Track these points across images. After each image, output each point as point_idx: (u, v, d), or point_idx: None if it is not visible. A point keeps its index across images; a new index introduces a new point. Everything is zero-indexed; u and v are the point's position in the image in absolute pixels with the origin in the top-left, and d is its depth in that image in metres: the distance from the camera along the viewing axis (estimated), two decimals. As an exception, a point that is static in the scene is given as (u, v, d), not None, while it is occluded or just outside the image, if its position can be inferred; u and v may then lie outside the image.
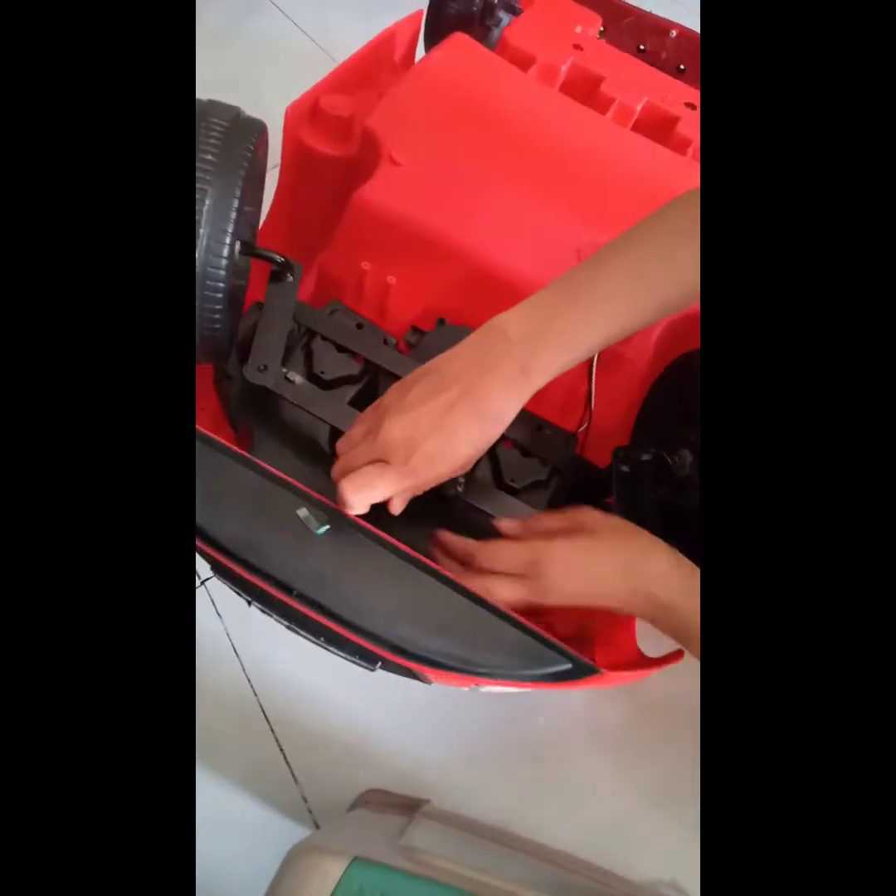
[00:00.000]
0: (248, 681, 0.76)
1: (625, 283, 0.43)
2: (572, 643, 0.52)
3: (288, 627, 0.48)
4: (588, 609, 0.44)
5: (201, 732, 0.70)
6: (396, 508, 0.45)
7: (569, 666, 0.41)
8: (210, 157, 0.42)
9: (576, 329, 0.43)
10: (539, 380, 0.43)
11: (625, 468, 0.53)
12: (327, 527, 0.42)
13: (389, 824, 0.62)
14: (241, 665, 0.76)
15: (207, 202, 0.42)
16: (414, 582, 0.42)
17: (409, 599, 0.42)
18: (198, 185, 0.42)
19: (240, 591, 0.48)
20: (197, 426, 0.44)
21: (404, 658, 0.41)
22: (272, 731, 0.75)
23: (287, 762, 0.74)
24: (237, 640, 0.77)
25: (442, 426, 0.42)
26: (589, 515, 0.46)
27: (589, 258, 0.45)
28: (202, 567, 0.78)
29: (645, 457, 0.52)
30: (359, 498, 0.42)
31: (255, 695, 0.76)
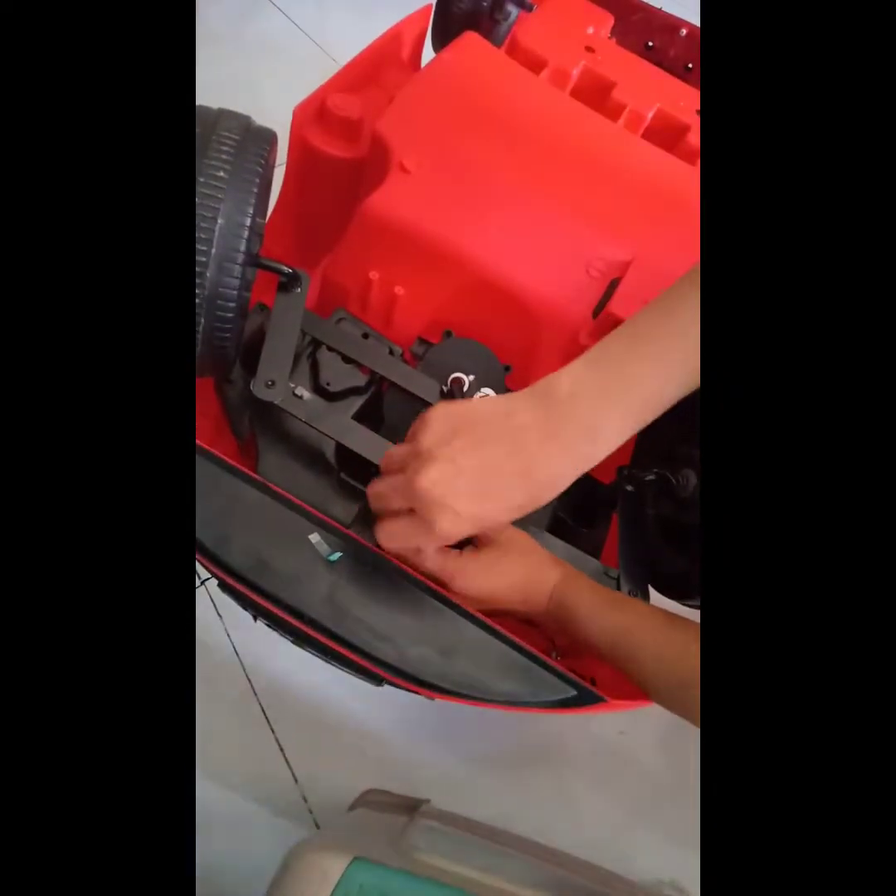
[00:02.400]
0: (248, 681, 0.76)
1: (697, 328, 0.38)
2: (569, 657, 0.52)
3: (293, 642, 0.48)
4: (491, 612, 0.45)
5: (201, 732, 0.70)
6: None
7: (575, 694, 0.41)
8: (222, 173, 0.41)
9: (651, 384, 0.38)
10: (606, 447, 0.38)
11: (629, 487, 0.53)
12: (339, 554, 0.42)
13: (390, 824, 0.62)
14: (242, 665, 0.76)
15: (220, 221, 0.41)
16: (422, 607, 0.42)
17: (417, 625, 0.42)
18: (210, 204, 0.41)
19: (245, 607, 0.48)
20: (203, 440, 0.44)
21: (412, 684, 0.41)
22: (272, 731, 0.75)
23: (287, 762, 0.74)
24: (237, 640, 0.77)
25: (482, 490, 0.37)
26: (504, 531, 0.47)
27: (653, 302, 0.40)
28: (203, 567, 0.79)
29: (649, 477, 0.52)
30: (395, 550, 0.42)
31: (255, 695, 0.76)
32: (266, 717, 0.75)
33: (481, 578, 0.44)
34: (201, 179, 0.41)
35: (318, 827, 0.72)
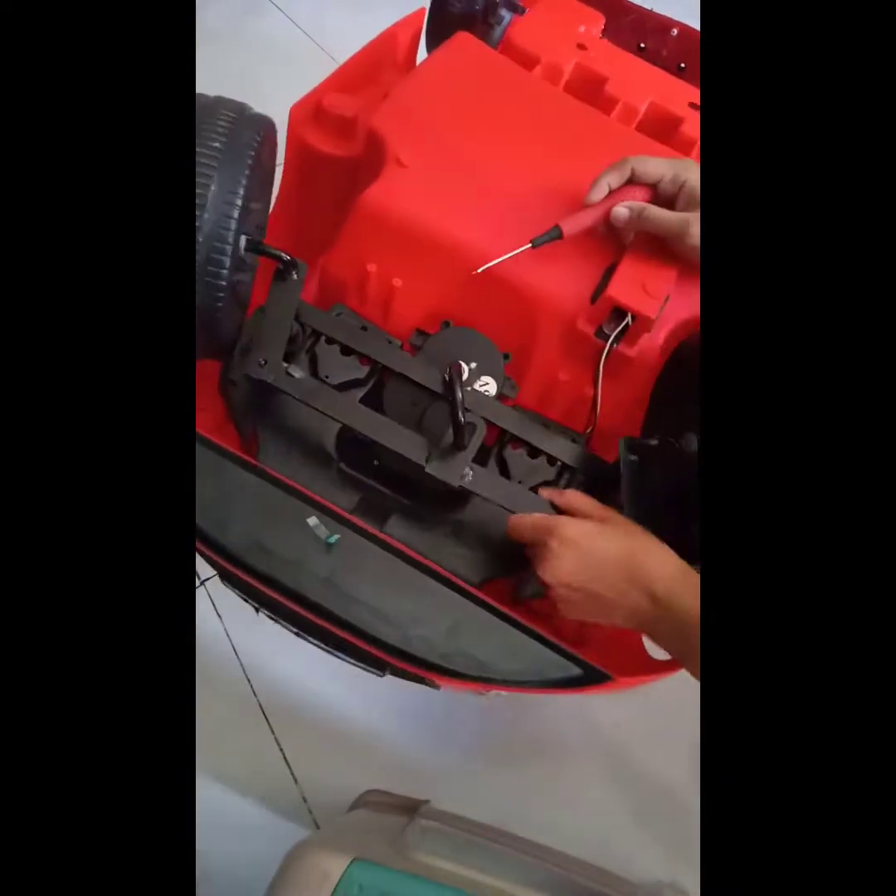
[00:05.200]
0: (248, 681, 0.76)
1: None
2: (575, 645, 0.52)
3: (296, 634, 0.48)
4: (584, 611, 0.44)
5: (201, 733, 0.70)
6: None
7: (580, 672, 0.41)
8: (217, 144, 0.42)
9: None
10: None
11: (633, 457, 0.52)
12: (338, 536, 0.42)
13: (389, 825, 0.62)
14: (241, 665, 0.76)
15: (212, 187, 0.41)
16: (425, 589, 0.42)
17: (420, 607, 0.42)
18: (203, 171, 0.41)
19: (247, 599, 0.48)
20: (203, 431, 0.44)
21: (417, 666, 0.41)
22: (272, 731, 0.75)
23: (287, 762, 0.74)
24: (237, 640, 0.77)
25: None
26: (614, 513, 0.47)
27: None
28: (202, 567, 0.78)
29: (652, 442, 0.51)
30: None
31: (255, 695, 0.75)
32: (266, 718, 0.75)
33: (575, 548, 0.43)
34: (198, 150, 0.42)
35: (318, 827, 0.72)
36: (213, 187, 0.42)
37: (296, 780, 0.73)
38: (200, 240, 0.42)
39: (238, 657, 0.76)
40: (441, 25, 0.80)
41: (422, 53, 0.80)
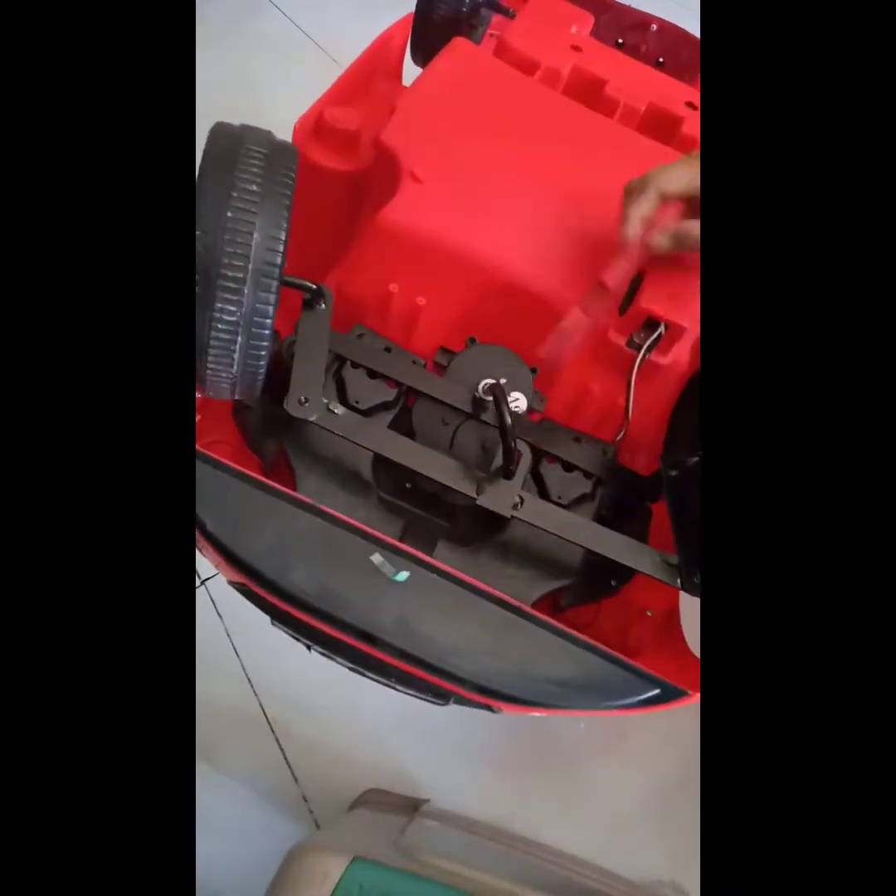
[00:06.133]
0: (249, 681, 0.76)
1: None
2: (623, 653, 0.52)
3: (351, 669, 0.47)
4: None
5: (202, 733, 0.70)
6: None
7: (657, 691, 0.41)
8: (254, 187, 0.40)
9: None
10: None
11: (673, 473, 0.51)
12: (407, 573, 0.42)
13: (389, 824, 0.62)
14: (242, 665, 0.76)
15: (256, 236, 0.39)
16: (495, 620, 0.42)
17: (492, 638, 0.41)
18: (245, 218, 0.39)
19: (299, 637, 0.47)
20: (260, 477, 0.43)
21: (494, 699, 0.41)
22: (272, 730, 0.75)
23: (287, 762, 0.74)
24: (237, 640, 0.77)
25: None
26: None
27: None
28: (202, 566, 0.79)
29: (693, 460, 0.50)
30: None
31: (256, 695, 0.76)
32: (266, 717, 0.75)
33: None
34: (234, 194, 0.40)
35: (318, 827, 0.72)
36: (256, 235, 0.40)
37: (296, 780, 0.73)
38: (246, 292, 0.40)
39: (238, 657, 0.77)
40: (427, 30, 0.79)
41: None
